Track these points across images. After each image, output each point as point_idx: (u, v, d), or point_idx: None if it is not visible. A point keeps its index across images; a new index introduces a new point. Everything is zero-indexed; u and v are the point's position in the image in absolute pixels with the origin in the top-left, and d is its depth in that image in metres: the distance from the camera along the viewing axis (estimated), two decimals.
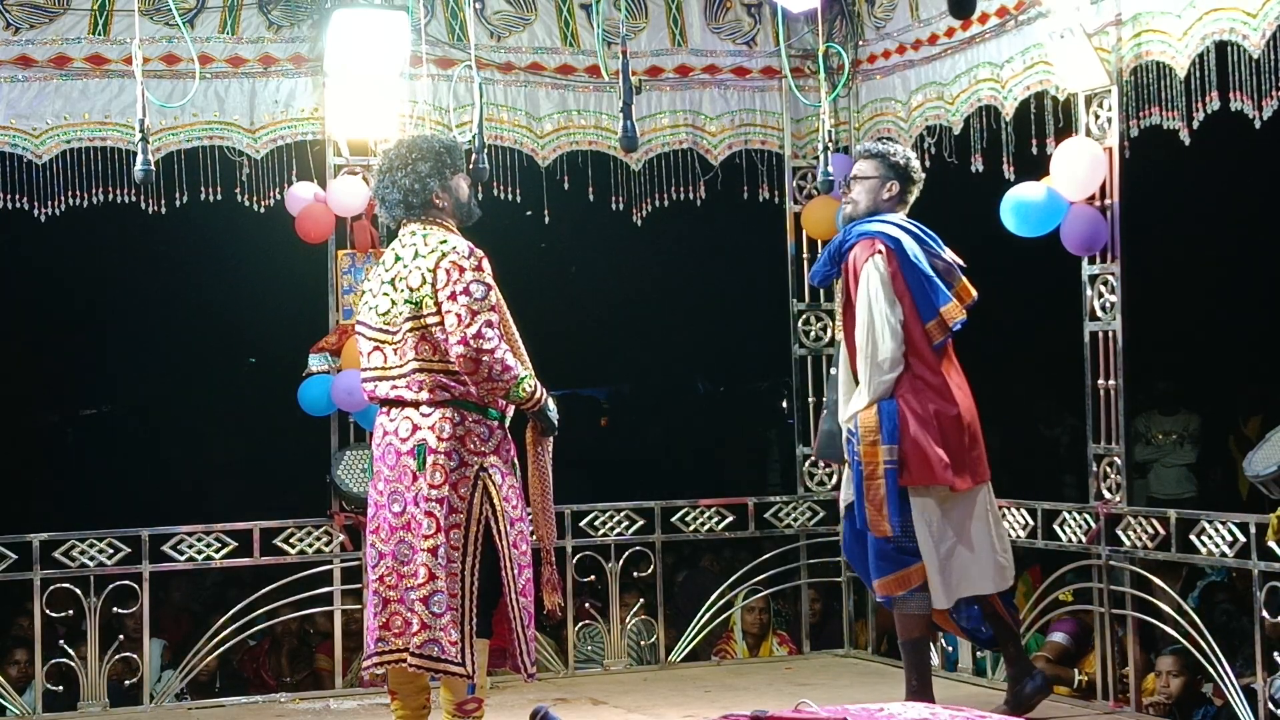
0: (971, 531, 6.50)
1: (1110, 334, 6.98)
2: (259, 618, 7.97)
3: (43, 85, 7.55)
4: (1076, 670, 8.03)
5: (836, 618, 8.76)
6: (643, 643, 8.52)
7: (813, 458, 8.46)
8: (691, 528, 8.43)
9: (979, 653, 7.72)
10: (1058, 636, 8.05)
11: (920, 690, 6.51)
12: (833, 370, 6.87)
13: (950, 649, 7.73)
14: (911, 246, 6.47)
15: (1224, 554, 6.54)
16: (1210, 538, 6.58)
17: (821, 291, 8.44)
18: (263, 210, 7.91)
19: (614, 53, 7.56)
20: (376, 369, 5.76)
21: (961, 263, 6.62)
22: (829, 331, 8.48)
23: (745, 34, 8.49)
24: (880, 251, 6.43)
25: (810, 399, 8.47)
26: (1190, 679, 7.36)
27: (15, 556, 7.46)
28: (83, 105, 7.59)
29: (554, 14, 8.23)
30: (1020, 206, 6.94)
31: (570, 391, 15.87)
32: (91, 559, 7.57)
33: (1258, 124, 6.28)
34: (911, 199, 6.71)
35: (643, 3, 8.31)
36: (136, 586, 7.67)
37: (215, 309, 14.10)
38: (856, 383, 6.54)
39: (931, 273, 6.47)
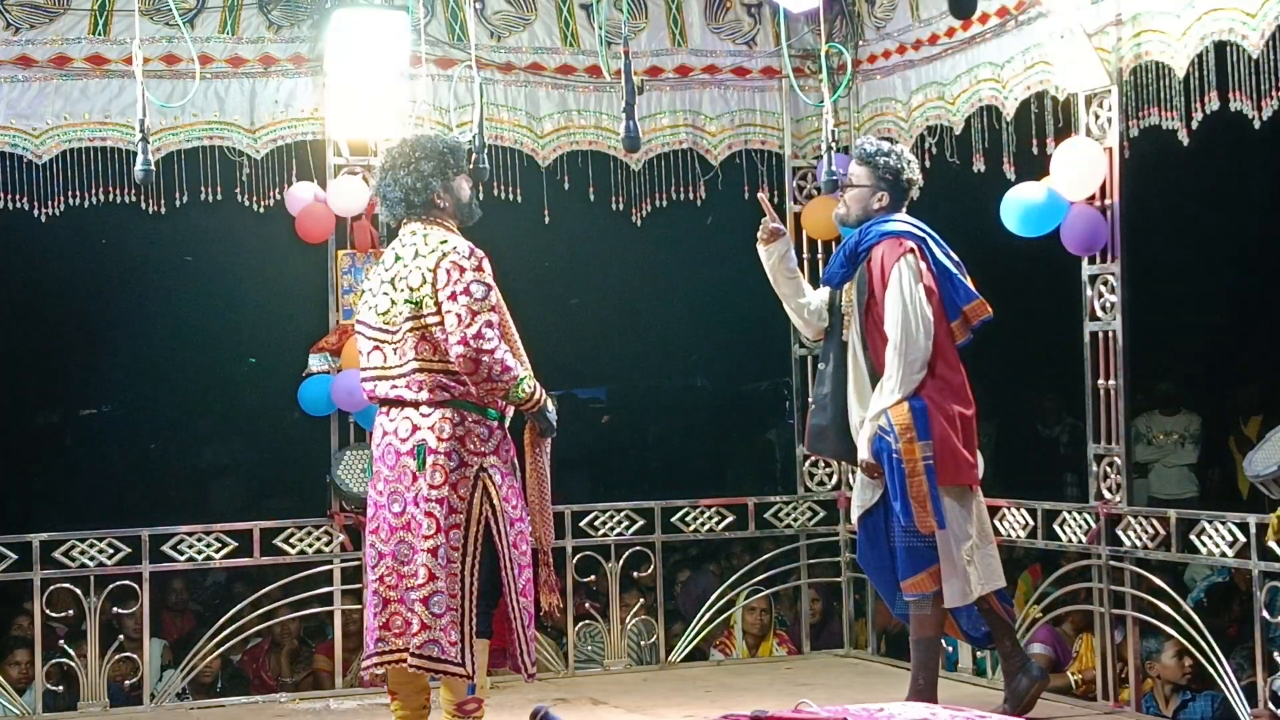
0: (986, 528, 6.56)
1: (1110, 334, 6.98)
2: (259, 618, 7.98)
3: (43, 85, 7.55)
4: (1070, 674, 8.02)
5: (836, 618, 8.76)
6: (643, 643, 8.51)
7: (812, 458, 8.47)
8: (691, 528, 8.43)
9: (979, 653, 7.72)
10: (1037, 648, 7.96)
11: (925, 690, 6.51)
12: (821, 365, 6.85)
13: (950, 649, 7.73)
14: (933, 246, 6.50)
15: (1224, 554, 6.54)
16: (1210, 538, 6.57)
17: None
18: (263, 210, 7.90)
19: (614, 53, 7.57)
20: (376, 369, 5.76)
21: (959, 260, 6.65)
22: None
23: (745, 34, 8.49)
24: (913, 250, 6.44)
25: (810, 399, 8.47)
26: (1187, 682, 7.35)
27: (15, 556, 7.46)
28: (83, 105, 7.58)
29: (554, 14, 8.22)
30: (1020, 206, 6.94)
31: (569, 391, 15.84)
32: (91, 559, 7.57)
33: (1257, 124, 6.28)
34: (910, 197, 6.71)
35: (643, 3, 8.30)
36: (136, 586, 7.67)
37: (215, 309, 14.08)
38: (873, 380, 6.53)
39: (954, 270, 6.50)
